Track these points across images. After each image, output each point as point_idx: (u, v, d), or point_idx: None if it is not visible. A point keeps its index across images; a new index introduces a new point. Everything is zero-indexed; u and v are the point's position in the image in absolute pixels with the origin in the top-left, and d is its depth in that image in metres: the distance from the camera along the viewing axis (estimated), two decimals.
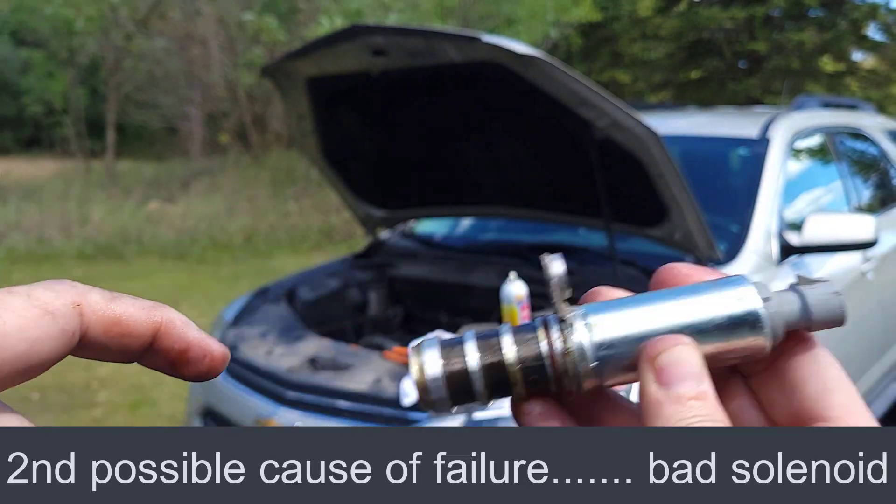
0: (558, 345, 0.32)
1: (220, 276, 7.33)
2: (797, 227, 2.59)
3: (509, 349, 0.33)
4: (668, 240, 2.38)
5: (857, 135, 3.66)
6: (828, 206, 3.14)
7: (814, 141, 3.24)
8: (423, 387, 0.32)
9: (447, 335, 2.21)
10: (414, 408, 1.93)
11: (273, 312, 2.59)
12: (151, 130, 17.21)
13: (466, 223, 3.42)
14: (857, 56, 15.35)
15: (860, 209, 3.22)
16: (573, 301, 0.34)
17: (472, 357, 0.33)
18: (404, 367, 2.06)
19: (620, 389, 0.36)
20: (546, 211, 2.74)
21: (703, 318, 0.32)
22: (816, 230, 2.45)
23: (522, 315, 2.10)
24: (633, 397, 0.34)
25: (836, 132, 3.41)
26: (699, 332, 0.31)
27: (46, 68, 16.76)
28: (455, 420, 1.89)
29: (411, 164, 2.91)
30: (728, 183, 2.94)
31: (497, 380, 0.32)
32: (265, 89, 11.28)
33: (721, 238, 2.43)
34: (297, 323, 2.50)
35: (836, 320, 0.32)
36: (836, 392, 0.31)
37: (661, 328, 0.32)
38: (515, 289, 2.11)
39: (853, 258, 2.85)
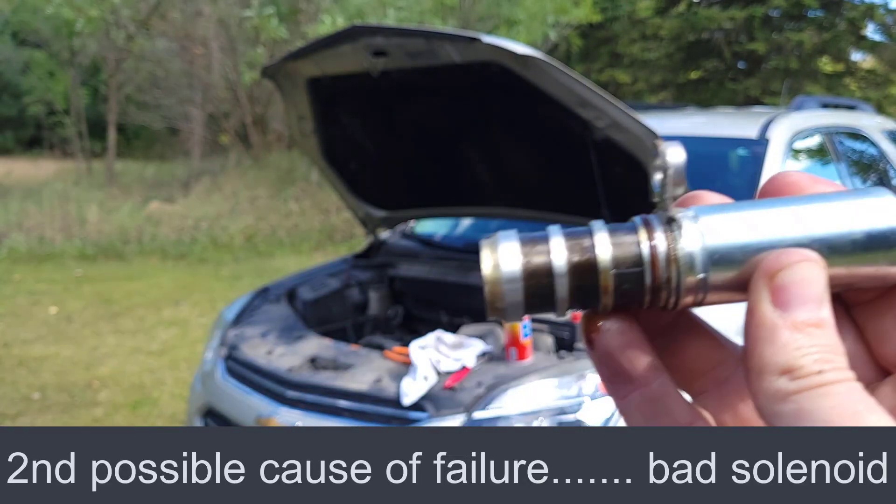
0: (663, 249, 0.28)
1: (220, 276, 7.33)
2: None
3: (604, 249, 0.28)
4: None
5: (856, 135, 3.66)
6: None
7: (813, 141, 3.24)
8: (495, 287, 0.27)
9: (448, 335, 2.22)
10: (414, 407, 1.93)
11: (274, 312, 2.59)
12: (152, 131, 17.21)
13: (466, 223, 3.42)
14: (856, 56, 15.34)
15: None
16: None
17: (559, 254, 0.27)
18: (404, 367, 2.06)
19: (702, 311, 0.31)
20: (546, 211, 2.74)
21: (836, 231, 0.27)
22: None
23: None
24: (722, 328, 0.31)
25: (835, 132, 3.41)
26: (830, 247, 0.27)
27: (48, 69, 16.78)
28: (455, 420, 1.89)
29: (411, 165, 2.91)
30: (727, 183, 2.94)
31: (585, 285, 0.27)
32: (266, 90, 11.29)
33: None
34: (298, 323, 2.50)
35: None
36: None
37: (786, 240, 0.27)
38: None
39: None
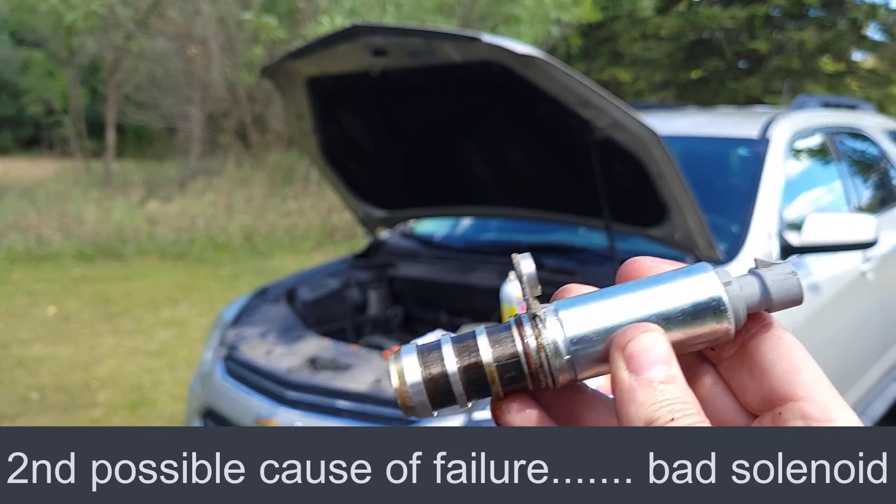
0: (532, 341, 0.33)
1: (219, 276, 7.33)
2: (797, 226, 2.59)
3: (485, 350, 0.33)
4: (668, 240, 2.38)
5: (857, 135, 3.66)
6: (828, 206, 3.14)
7: (814, 141, 3.24)
8: (403, 393, 0.33)
9: (449, 334, 2.21)
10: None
11: (273, 312, 2.59)
12: (151, 130, 17.20)
13: (466, 223, 3.41)
14: (858, 56, 15.34)
15: (860, 209, 3.22)
16: (545, 298, 0.35)
17: (450, 360, 0.33)
18: None
19: (593, 383, 0.37)
20: (546, 211, 2.74)
21: (668, 306, 0.33)
22: (816, 230, 2.45)
23: None
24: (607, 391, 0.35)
25: (836, 132, 3.41)
26: (665, 319, 0.32)
27: (46, 68, 16.77)
28: (456, 420, 1.89)
29: (411, 164, 2.91)
30: (728, 183, 2.94)
31: (475, 380, 0.33)
32: (265, 89, 11.28)
33: (721, 238, 2.43)
34: (297, 323, 2.50)
35: (795, 300, 0.33)
36: (802, 371, 0.31)
37: (630, 319, 0.32)
38: (515, 289, 2.11)
39: (853, 258, 2.84)
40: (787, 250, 2.51)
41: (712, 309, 0.32)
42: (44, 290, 6.67)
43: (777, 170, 2.69)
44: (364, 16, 8.45)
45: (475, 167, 2.81)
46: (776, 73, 14.00)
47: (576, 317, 0.33)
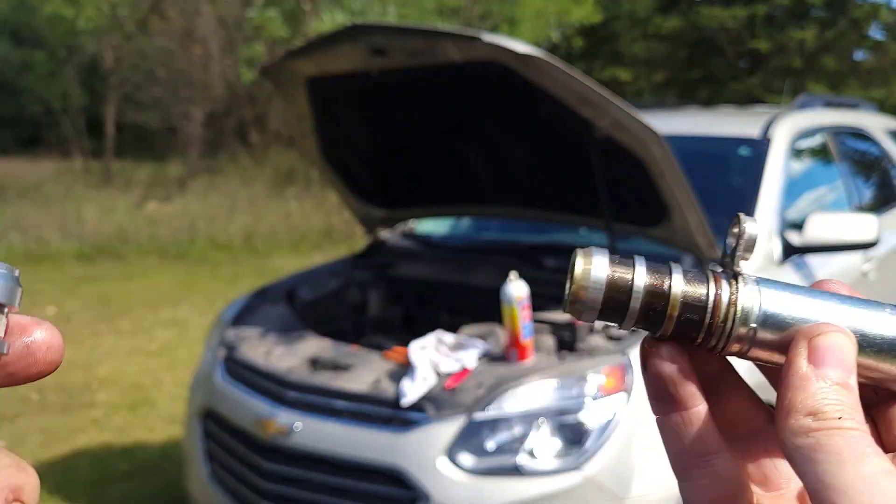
0: (725, 296, 0.32)
1: (219, 276, 7.32)
2: (799, 226, 2.58)
3: (678, 280, 0.32)
4: (669, 239, 2.37)
5: (859, 134, 3.66)
6: (829, 205, 3.13)
7: (815, 140, 3.23)
8: (581, 287, 0.31)
9: (448, 335, 2.21)
10: (413, 408, 1.92)
11: (273, 312, 2.58)
12: (151, 130, 17.18)
13: (466, 223, 3.41)
14: (859, 55, 15.34)
15: (861, 209, 3.21)
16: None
17: (640, 274, 0.32)
18: (404, 368, 2.05)
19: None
20: (547, 210, 2.73)
21: (873, 329, 0.32)
22: (818, 230, 2.44)
23: (523, 315, 2.09)
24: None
25: (838, 132, 3.40)
26: (863, 337, 0.31)
27: (46, 68, 16.75)
28: (455, 421, 1.88)
29: (411, 164, 2.90)
30: (729, 182, 2.93)
31: (654, 305, 0.32)
32: (265, 89, 11.26)
33: (722, 237, 2.42)
34: (297, 323, 2.49)
35: None
36: None
37: (830, 321, 0.31)
38: (516, 289, 2.10)
39: (854, 258, 2.84)
40: (789, 250, 2.50)
41: None
42: (44, 290, 6.66)
43: (778, 169, 2.68)
44: (367, 15, 8.44)
45: (475, 167, 2.80)
46: (777, 73, 14.00)
47: (776, 297, 0.32)
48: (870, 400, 0.34)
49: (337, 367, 2.12)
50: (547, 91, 2.05)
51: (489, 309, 2.46)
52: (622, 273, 0.32)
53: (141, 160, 14.74)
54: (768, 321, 0.32)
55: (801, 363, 0.30)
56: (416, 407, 1.92)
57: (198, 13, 11.42)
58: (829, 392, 0.29)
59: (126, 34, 11.85)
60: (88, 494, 3.12)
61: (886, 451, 0.32)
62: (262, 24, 8.22)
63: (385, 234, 3.20)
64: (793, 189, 2.81)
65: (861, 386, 0.32)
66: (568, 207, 2.65)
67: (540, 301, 2.25)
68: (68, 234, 8.61)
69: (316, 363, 2.16)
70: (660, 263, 0.33)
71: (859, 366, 0.31)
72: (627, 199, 2.35)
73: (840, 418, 0.28)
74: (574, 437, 1.86)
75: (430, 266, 2.87)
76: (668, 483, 1.73)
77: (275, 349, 2.29)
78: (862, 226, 2.45)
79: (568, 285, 0.32)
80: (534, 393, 1.91)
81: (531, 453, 1.84)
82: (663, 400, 0.33)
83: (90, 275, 7.36)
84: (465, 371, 2.02)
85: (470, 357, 2.08)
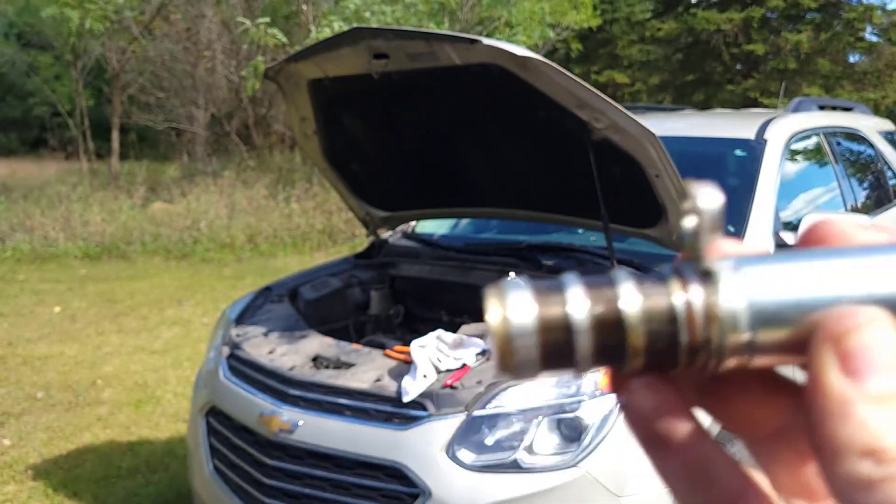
0: (700, 304, 0.23)
1: (223, 276, 7.36)
2: (793, 227, 2.61)
3: (630, 295, 0.23)
4: (665, 240, 2.41)
5: (853, 136, 3.68)
6: (824, 206, 3.16)
7: (810, 142, 3.26)
8: (504, 341, 0.23)
9: (448, 334, 2.24)
10: (414, 405, 1.96)
11: (276, 311, 2.62)
12: (155, 132, 17.26)
13: (466, 223, 3.44)
14: (854, 58, 15.35)
15: (856, 210, 3.24)
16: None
17: (577, 299, 0.23)
18: (405, 365, 2.09)
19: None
20: (545, 212, 2.76)
21: None
22: None
23: None
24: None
25: (833, 134, 3.43)
26: (894, 307, 0.22)
27: (53, 71, 16.83)
28: (455, 418, 1.91)
29: (412, 166, 2.94)
30: (725, 184, 2.96)
31: (610, 341, 0.23)
32: (268, 91, 11.32)
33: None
34: (300, 322, 2.52)
35: None
36: None
37: (846, 296, 0.22)
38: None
39: None
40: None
41: None
42: (49, 289, 6.71)
43: (773, 171, 2.71)
44: (365, 20, 8.47)
45: (475, 168, 2.83)
46: (773, 75, 14.01)
47: (766, 279, 0.23)
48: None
49: (339, 364, 2.16)
50: (545, 93, 2.09)
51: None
52: (554, 307, 0.23)
53: (146, 161, 14.81)
54: (766, 317, 0.23)
55: (834, 379, 0.21)
56: (417, 404, 1.95)
57: (202, 16, 11.48)
58: (883, 416, 0.20)
59: (132, 37, 11.90)
60: (94, 491, 3.16)
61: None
62: (256, 35, 8.25)
63: (386, 234, 3.23)
64: (788, 190, 2.84)
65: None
66: (566, 208, 2.68)
67: None
68: (74, 234, 8.67)
69: (318, 361, 2.20)
70: (601, 277, 0.24)
71: None
72: (624, 200, 2.38)
73: None
74: (572, 433, 1.89)
75: (431, 266, 2.90)
76: None
77: (278, 347, 2.33)
78: None
79: (490, 341, 0.23)
80: (532, 390, 1.94)
81: (530, 449, 1.87)
82: (655, 445, 0.25)
83: (95, 274, 7.41)
84: (464, 369, 2.06)
85: (470, 355, 2.11)
